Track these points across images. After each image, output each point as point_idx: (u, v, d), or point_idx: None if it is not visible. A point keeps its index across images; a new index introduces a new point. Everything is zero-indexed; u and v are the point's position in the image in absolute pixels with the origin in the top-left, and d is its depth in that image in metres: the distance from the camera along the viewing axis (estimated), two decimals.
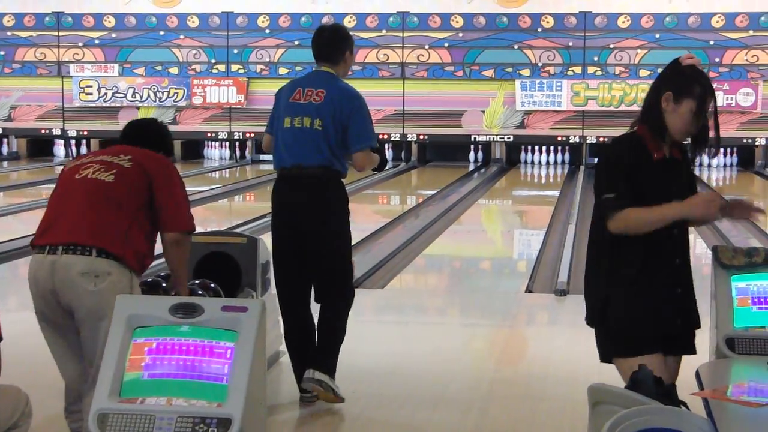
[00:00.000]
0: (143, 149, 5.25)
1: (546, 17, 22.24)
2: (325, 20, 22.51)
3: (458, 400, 6.58)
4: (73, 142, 24.13)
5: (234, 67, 23.01)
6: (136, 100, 23.32)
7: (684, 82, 4.48)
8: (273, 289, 7.21)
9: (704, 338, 4.87)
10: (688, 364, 4.73)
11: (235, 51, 22.93)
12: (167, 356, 3.80)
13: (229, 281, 6.74)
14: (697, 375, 4.19)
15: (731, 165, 22.39)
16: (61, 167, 5.41)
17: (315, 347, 6.35)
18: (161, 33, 23.26)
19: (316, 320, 6.47)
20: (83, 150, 24.06)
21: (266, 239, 7.22)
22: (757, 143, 21.97)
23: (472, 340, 8.44)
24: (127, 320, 3.87)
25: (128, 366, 3.81)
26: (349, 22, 22.55)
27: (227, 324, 3.84)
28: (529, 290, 9.96)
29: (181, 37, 23.19)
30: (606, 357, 4.63)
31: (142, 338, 3.85)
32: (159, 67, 23.34)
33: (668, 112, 4.48)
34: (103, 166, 5.06)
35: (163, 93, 23.24)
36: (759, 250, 4.88)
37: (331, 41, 6.38)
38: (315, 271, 6.30)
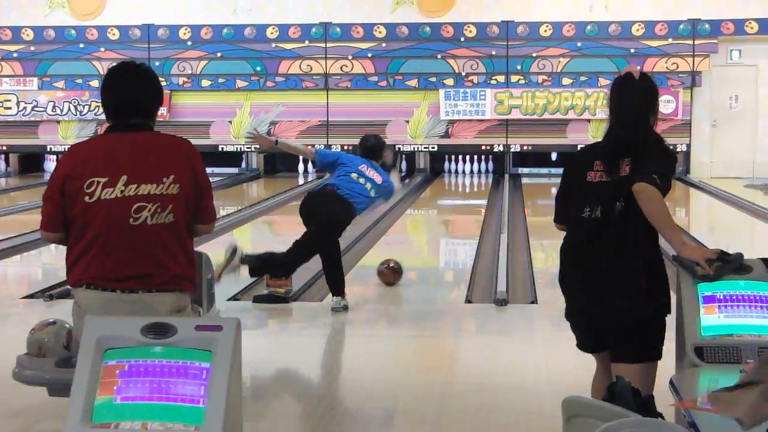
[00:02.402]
0: (164, 139, 4.68)
1: (469, 27, 22.30)
2: (247, 32, 22.40)
3: (411, 414, 6.52)
4: None
5: None
6: (57, 114, 22.98)
7: None
8: (218, 304, 7.15)
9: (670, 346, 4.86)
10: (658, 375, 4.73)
11: (157, 63, 22.64)
12: (140, 378, 3.67)
13: None
14: (672, 384, 4.17)
15: None
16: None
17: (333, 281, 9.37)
18: (81, 46, 22.93)
19: None
20: (1, 166, 23.67)
21: (209, 252, 7.10)
22: (678, 150, 22.20)
23: (420, 352, 8.38)
24: (97, 342, 3.74)
25: (99, 390, 3.67)
26: (271, 33, 22.43)
27: (201, 344, 3.73)
28: (468, 300, 9.93)
29: (102, 49, 22.88)
30: None
31: (113, 360, 3.72)
32: (79, 80, 23.00)
33: None
34: (158, 204, 4.49)
35: (84, 106, 22.90)
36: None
37: (375, 148, 9.67)
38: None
